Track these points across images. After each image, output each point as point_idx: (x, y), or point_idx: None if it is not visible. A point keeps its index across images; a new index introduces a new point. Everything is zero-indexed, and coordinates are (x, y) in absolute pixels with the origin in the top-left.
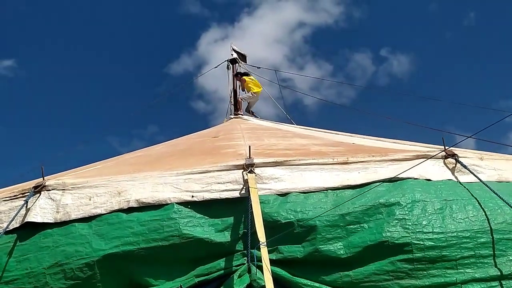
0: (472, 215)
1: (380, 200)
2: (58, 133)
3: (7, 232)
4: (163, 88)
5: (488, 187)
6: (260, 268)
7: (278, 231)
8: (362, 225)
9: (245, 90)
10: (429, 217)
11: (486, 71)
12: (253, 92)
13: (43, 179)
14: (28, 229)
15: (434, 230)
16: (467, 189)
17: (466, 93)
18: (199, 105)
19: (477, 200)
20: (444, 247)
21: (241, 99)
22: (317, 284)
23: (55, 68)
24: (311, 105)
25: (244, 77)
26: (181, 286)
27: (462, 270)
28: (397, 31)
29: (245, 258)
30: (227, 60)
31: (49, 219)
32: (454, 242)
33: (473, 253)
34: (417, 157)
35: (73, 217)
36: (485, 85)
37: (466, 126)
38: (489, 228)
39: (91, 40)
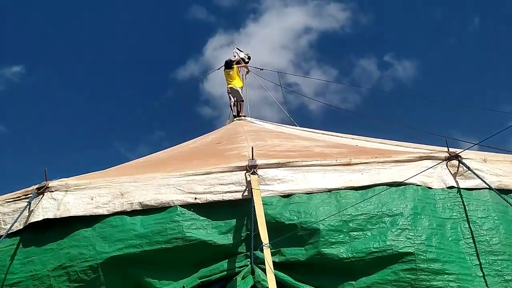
0: (467, 236)
1: (383, 209)
2: (65, 139)
3: (10, 234)
4: (170, 94)
5: (493, 189)
6: (264, 269)
7: (282, 233)
8: (365, 232)
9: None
10: (428, 232)
11: (489, 77)
12: (228, 87)
13: (46, 180)
14: (32, 231)
15: (435, 245)
16: (465, 203)
17: (470, 98)
18: (205, 110)
19: (472, 220)
20: (445, 262)
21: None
22: None
23: (63, 74)
24: (316, 110)
25: (225, 69)
26: (184, 287)
27: (463, 285)
28: (402, 37)
29: (249, 259)
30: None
31: (49, 215)
32: (452, 259)
33: (470, 272)
34: (420, 158)
35: (73, 213)
36: (489, 90)
37: (470, 130)
38: (484, 249)
39: (99, 46)
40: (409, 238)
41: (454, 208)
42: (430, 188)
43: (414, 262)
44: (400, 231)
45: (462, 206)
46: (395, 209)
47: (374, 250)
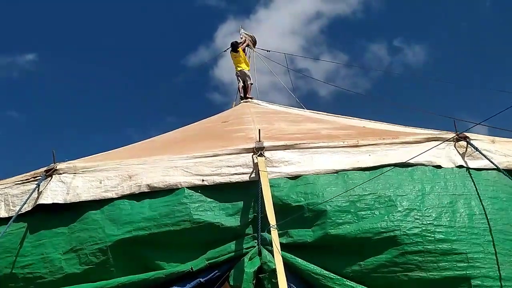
0: (479, 212)
1: (391, 190)
2: (77, 125)
3: (20, 216)
4: (181, 79)
5: (501, 170)
6: (270, 251)
7: (289, 214)
8: (373, 212)
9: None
10: (438, 211)
11: (501, 60)
12: (237, 70)
13: (54, 163)
14: (41, 214)
15: (444, 224)
16: (475, 182)
17: (481, 81)
18: (215, 96)
19: (482, 199)
20: (454, 241)
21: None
22: (325, 272)
23: (75, 62)
24: (325, 96)
25: (232, 52)
26: (191, 268)
27: (472, 264)
28: (412, 21)
29: (256, 241)
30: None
31: (59, 200)
32: (463, 237)
33: (482, 249)
34: (428, 139)
35: (83, 198)
36: (500, 74)
37: (481, 114)
38: (495, 228)
39: (111, 32)
40: (417, 219)
41: (465, 185)
42: (439, 167)
43: (422, 244)
44: (408, 211)
45: (472, 185)
46: (403, 189)
47: (382, 230)
